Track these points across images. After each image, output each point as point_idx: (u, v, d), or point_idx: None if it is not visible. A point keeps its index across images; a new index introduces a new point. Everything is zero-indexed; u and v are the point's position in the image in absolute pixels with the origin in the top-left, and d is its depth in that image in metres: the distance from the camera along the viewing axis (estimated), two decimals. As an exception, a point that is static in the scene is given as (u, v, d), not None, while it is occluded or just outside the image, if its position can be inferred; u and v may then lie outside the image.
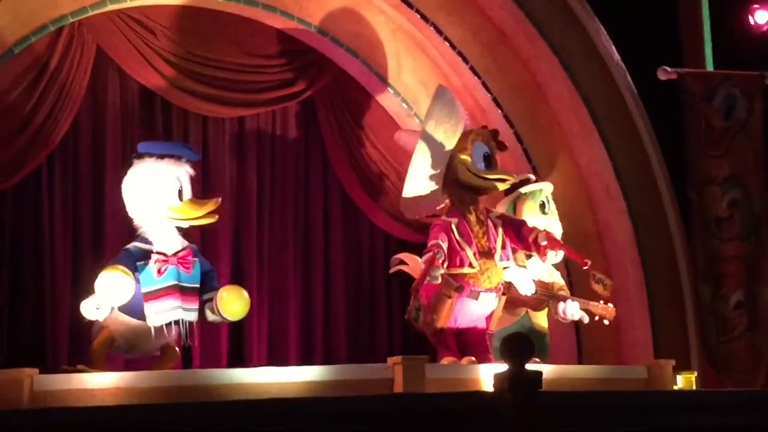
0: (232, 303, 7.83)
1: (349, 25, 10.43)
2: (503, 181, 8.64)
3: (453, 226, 8.37)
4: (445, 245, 8.17)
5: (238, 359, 9.88)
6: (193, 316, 7.89)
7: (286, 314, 10.43)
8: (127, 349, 7.82)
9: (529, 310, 9.12)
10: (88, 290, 7.77)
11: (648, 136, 10.69)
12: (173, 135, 10.06)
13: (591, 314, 9.13)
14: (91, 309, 7.52)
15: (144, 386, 6.75)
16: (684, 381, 9.13)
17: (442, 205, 8.62)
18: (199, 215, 7.99)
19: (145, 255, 7.85)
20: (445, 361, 8.06)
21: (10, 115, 9.08)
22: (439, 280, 8.01)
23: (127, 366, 8.24)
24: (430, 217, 8.74)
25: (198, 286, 7.94)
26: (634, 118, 10.67)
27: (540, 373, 5.94)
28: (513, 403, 5.87)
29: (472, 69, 10.57)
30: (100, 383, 6.76)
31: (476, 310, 8.37)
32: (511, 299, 8.95)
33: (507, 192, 9.40)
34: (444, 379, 7.17)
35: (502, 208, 9.32)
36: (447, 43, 10.43)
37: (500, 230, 8.53)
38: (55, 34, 9.30)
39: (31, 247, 9.35)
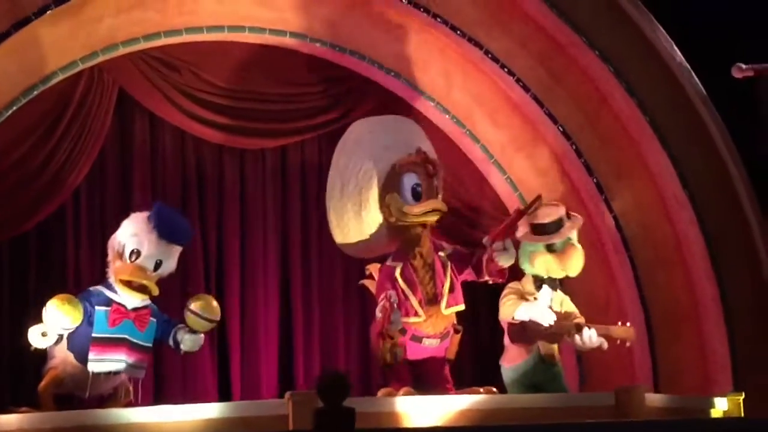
0: (210, 300, 7.99)
1: (390, 46, 10.09)
2: (433, 212, 8.14)
3: (397, 274, 8.01)
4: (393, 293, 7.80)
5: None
6: (138, 373, 7.91)
7: (336, 350, 10.20)
8: (77, 390, 7.87)
9: (540, 345, 8.67)
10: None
11: (722, 140, 9.93)
12: (207, 171, 10.00)
13: (611, 338, 8.59)
14: (37, 336, 7.61)
15: (45, 427, 6.80)
16: (730, 404, 8.43)
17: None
18: (125, 278, 7.96)
19: (107, 302, 7.90)
20: (381, 393, 7.78)
21: (26, 160, 9.14)
22: (400, 326, 7.71)
23: (84, 405, 8.29)
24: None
25: (149, 345, 7.95)
26: (704, 122, 9.98)
27: (353, 411, 5.63)
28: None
29: (518, 81, 10.12)
30: (7, 424, 6.85)
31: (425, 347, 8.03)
32: (527, 335, 8.58)
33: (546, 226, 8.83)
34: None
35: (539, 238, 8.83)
36: (488, 56, 10.05)
37: (449, 272, 8.10)
38: (75, 78, 9.31)
39: (56, 286, 9.40)
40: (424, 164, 8.13)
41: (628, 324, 8.60)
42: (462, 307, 8.12)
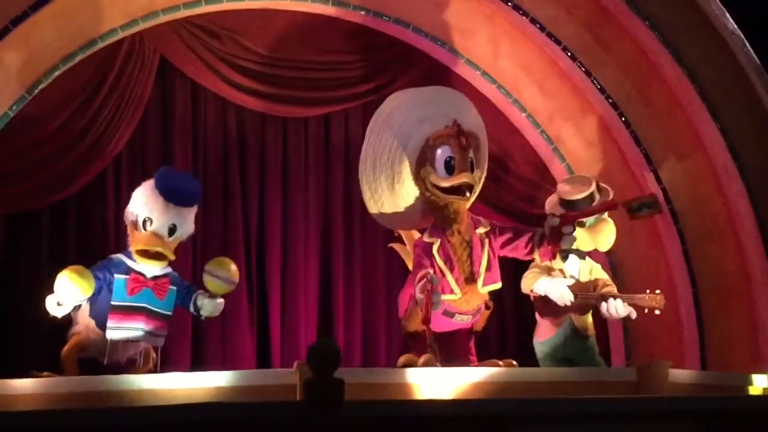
0: (226, 262, 7.93)
1: (435, 14, 9.92)
2: (463, 189, 7.80)
3: (434, 250, 7.79)
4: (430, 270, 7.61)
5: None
6: (157, 342, 7.90)
7: (377, 321, 10.18)
8: (99, 355, 7.91)
9: (573, 318, 8.51)
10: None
11: (777, 112, 9.70)
12: (248, 139, 9.97)
13: (639, 308, 8.38)
14: (53, 305, 7.60)
15: (61, 392, 6.81)
16: (769, 381, 8.19)
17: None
18: (140, 247, 7.92)
19: (126, 270, 7.88)
20: (401, 360, 7.69)
21: (67, 127, 9.20)
22: (440, 307, 7.51)
23: (104, 370, 8.33)
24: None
25: (168, 313, 7.93)
26: (757, 93, 9.66)
27: (341, 382, 5.55)
28: (314, 413, 5.53)
29: (565, 50, 9.92)
30: (23, 389, 6.88)
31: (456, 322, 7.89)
32: (552, 309, 8.45)
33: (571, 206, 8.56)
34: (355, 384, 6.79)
35: (553, 207, 8.65)
36: (535, 24, 9.86)
37: (486, 249, 7.85)
38: (116, 46, 9.32)
39: (97, 251, 9.19)
40: (458, 136, 7.82)
41: (657, 292, 8.31)
42: (499, 285, 7.89)
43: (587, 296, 8.36)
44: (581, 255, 8.55)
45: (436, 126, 7.89)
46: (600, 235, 8.55)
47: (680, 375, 7.60)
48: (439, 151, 7.84)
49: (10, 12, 8.62)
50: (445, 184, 7.80)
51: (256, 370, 7.05)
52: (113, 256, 8.06)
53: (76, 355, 7.74)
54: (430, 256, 7.78)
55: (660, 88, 9.84)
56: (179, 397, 6.67)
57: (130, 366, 7.81)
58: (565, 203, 8.55)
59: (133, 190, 9.41)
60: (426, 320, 7.41)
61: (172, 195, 7.92)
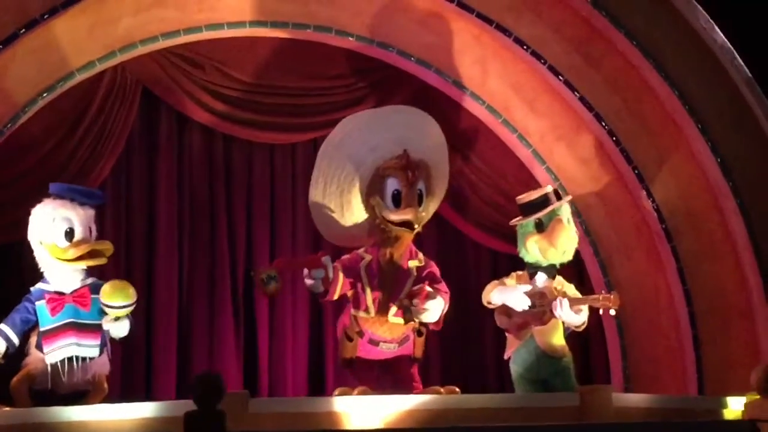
0: (114, 287, 7.85)
1: (420, 36, 9.81)
2: (406, 224, 7.72)
3: (362, 264, 7.76)
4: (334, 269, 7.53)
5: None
6: (90, 352, 7.84)
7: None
8: (52, 387, 7.94)
9: (535, 332, 8.28)
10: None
11: (768, 124, 9.46)
12: (235, 167, 9.98)
13: (593, 308, 8.15)
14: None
15: (-6, 425, 6.89)
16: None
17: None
18: (70, 257, 7.90)
19: (42, 295, 7.91)
20: (337, 392, 7.54)
21: (49, 158, 9.29)
22: (319, 288, 7.42)
23: (59, 402, 8.35)
24: None
25: (99, 322, 7.85)
26: (749, 106, 9.44)
27: (223, 414, 5.51)
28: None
29: (551, 68, 9.76)
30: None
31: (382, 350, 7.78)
32: (514, 323, 8.31)
33: (534, 205, 8.44)
34: (275, 414, 6.74)
35: (525, 220, 8.44)
36: (520, 44, 9.70)
37: (410, 282, 7.75)
38: (97, 78, 9.39)
39: None
40: (405, 170, 7.75)
41: (612, 292, 8.07)
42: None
43: (543, 303, 8.19)
44: (551, 274, 8.37)
45: (386, 154, 7.82)
46: (557, 237, 8.26)
47: (626, 399, 7.39)
48: (387, 182, 7.80)
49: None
50: (393, 217, 7.75)
51: (182, 401, 6.97)
52: (33, 288, 8.05)
53: (26, 386, 7.77)
54: (355, 268, 7.75)
55: (651, 103, 9.67)
56: (109, 429, 6.69)
57: (82, 396, 7.82)
58: (523, 208, 8.42)
59: (118, 219, 9.62)
60: (281, 261, 7.59)
61: (81, 196, 8.01)
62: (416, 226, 7.80)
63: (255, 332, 9.80)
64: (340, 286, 7.61)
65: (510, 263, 9.07)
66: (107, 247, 8.05)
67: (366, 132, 7.92)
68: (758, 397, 7.57)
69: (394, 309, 7.67)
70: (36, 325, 7.92)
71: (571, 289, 8.38)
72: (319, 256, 7.46)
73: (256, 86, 9.92)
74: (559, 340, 8.26)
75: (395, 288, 7.72)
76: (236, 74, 9.88)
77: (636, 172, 9.78)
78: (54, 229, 7.95)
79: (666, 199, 9.75)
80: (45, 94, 9.20)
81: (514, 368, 8.39)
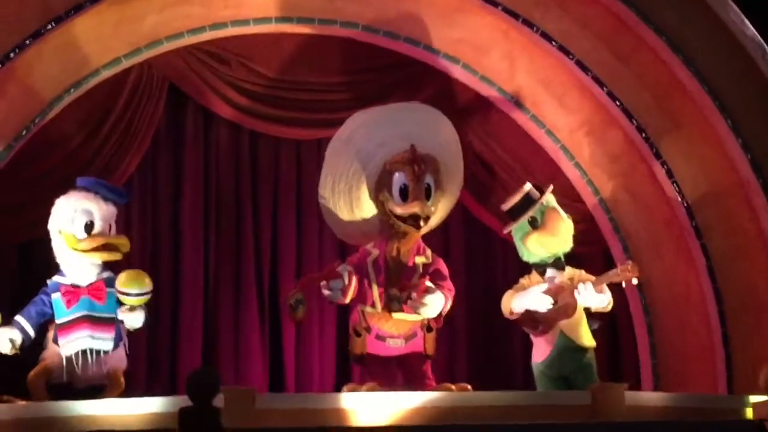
0: (132, 275, 7.93)
1: (447, 31, 9.80)
2: (416, 218, 7.76)
3: (370, 259, 7.78)
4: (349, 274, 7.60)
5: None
6: (104, 345, 7.91)
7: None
8: (69, 380, 7.97)
9: (563, 329, 8.26)
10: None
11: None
12: (261, 163, 9.98)
13: (614, 284, 8.18)
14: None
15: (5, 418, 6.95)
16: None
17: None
18: (85, 248, 7.98)
19: (58, 288, 8.00)
20: (346, 388, 7.54)
21: (76, 154, 9.34)
22: (338, 297, 7.53)
23: (75, 397, 8.40)
24: None
25: (113, 316, 7.93)
26: (781, 102, 9.32)
27: (217, 410, 5.50)
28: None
29: (579, 63, 9.66)
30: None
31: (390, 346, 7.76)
32: (539, 323, 8.25)
33: (522, 206, 8.50)
34: (282, 410, 6.72)
35: (517, 223, 8.47)
36: (548, 38, 9.62)
37: (415, 278, 7.75)
38: (124, 75, 9.45)
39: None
40: (412, 164, 7.77)
41: (629, 263, 8.16)
42: (415, 317, 7.74)
43: (564, 297, 8.13)
44: (559, 266, 8.36)
45: (393, 150, 7.85)
46: (555, 226, 8.37)
47: (639, 397, 7.29)
48: (395, 177, 7.82)
49: (12, 43, 8.73)
50: (400, 211, 7.78)
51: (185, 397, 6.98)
52: (49, 281, 8.15)
53: (43, 379, 7.83)
54: (364, 264, 7.79)
55: (681, 99, 9.52)
56: (116, 424, 6.71)
57: (99, 391, 7.85)
58: (510, 214, 8.47)
59: (144, 214, 9.65)
60: (303, 281, 7.74)
61: (111, 191, 8.13)
62: (423, 220, 7.80)
63: (280, 328, 9.78)
64: (353, 288, 7.63)
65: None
66: (123, 242, 8.12)
67: (373, 128, 7.98)
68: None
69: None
70: (52, 318, 7.99)
71: (584, 274, 8.33)
72: (335, 266, 7.58)
73: (282, 82, 9.92)
74: (586, 331, 8.24)
75: (401, 284, 7.68)
76: (262, 70, 9.87)
77: (665, 167, 9.64)
78: (75, 220, 8.06)
79: (696, 195, 9.60)
80: (72, 91, 9.26)
81: (536, 365, 8.36)
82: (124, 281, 7.87)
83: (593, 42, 9.58)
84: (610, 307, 8.28)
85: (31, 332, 7.99)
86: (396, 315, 7.67)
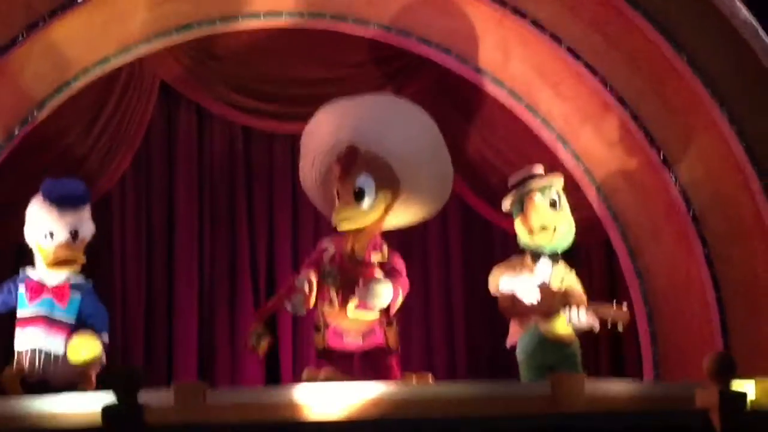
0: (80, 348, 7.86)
1: (439, 21, 9.72)
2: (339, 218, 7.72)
3: (326, 258, 7.72)
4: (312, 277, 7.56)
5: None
6: (56, 348, 7.88)
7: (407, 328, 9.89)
8: (41, 379, 7.90)
9: (540, 321, 8.20)
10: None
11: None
12: (254, 159, 10.04)
13: (603, 320, 7.98)
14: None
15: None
16: (759, 391, 7.66)
17: None
18: (45, 260, 8.06)
19: (25, 280, 8.08)
20: (304, 374, 7.53)
21: (67, 154, 9.45)
22: (302, 311, 7.46)
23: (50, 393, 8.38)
24: None
25: (71, 321, 7.94)
26: (775, 85, 9.15)
27: (141, 407, 5.52)
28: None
29: (570, 50, 9.56)
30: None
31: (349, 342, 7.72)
32: (517, 310, 8.17)
33: (514, 186, 8.47)
34: (234, 405, 6.71)
35: (507, 203, 8.47)
36: (535, 26, 9.53)
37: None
38: (115, 74, 9.52)
39: (103, 274, 9.52)
40: (338, 163, 7.78)
41: (624, 306, 7.93)
42: (372, 314, 7.65)
43: (551, 302, 8.05)
44: (554, 259, 8.25)
45: (334, 150, 7.87)
46: (529, 215, 8.26)
47: (600, 388, 7.17)
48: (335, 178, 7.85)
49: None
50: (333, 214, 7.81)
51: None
52: (23, 269, 8.24)
53: (16, 378, 7.90)
54: (319, 261, 7.74)
55: (674, 84, 9.38)
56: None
57: (73, 388, 7.88)
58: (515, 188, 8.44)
59: (139, 213, 9.73)
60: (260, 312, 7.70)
61: (63, 201, 8.06)
62: (343, 221, 7.72)
63: (276, 323, 9.78)
64: (314, 293, 7.60)
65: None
66: (77, 257, 8.13)
67: (322, 125, 8.05)
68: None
69: (354, 302, 7.55)
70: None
71: (572, 278, 8.26)
72: (291, 281, 7.50)
73: (275, 77, 9.95)
74: (563, 328, 8.10)
75: (356, 282, 7.58)
76: (254, 65, 9.89)
77: (661, 154, 9.50)
78: (38, 229, 8.13)
79: (692, 180, 9.46)
80: (63, 90, 9.34)
81: (519, 354, 8.29)
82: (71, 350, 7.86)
83: (583, 28, 9.48)
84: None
85: None
86: (351, 314, 7.59)
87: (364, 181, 7.74)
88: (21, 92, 9.18)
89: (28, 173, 9.38)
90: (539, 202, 8.28)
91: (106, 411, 5.56)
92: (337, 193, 7.78)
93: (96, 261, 9.54)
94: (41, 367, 7.89)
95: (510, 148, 10.20)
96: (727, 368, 6.70)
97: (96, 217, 9.45)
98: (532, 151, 10.13)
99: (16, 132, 9.25)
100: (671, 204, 9.63)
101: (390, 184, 7.85)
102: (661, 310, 9.85)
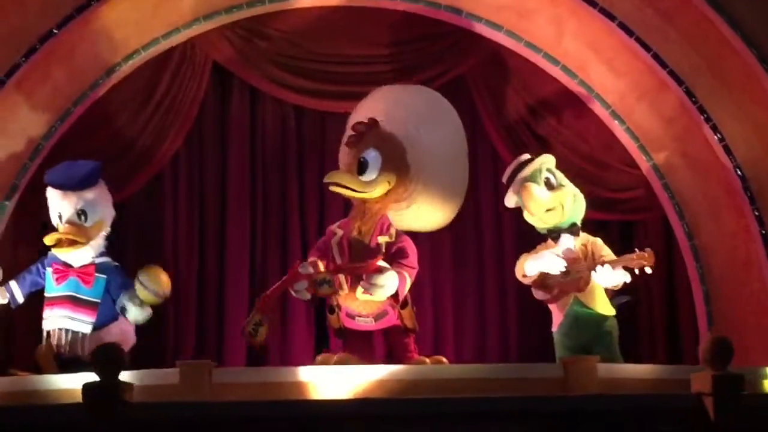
0: (157, 272, 8.05)
1: (492, -2, 9.73)
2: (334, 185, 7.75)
3: (334, 242, 7.73)
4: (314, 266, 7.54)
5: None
6: (83, 328, 8.08)
7: (445, 313, 9.92)
8: (74, 356, 8.05)
9: (578, 296, 8.07)
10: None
11: None
12: (306, 138, 10.02)
13: (630, 269, 7.88)
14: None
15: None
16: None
17: None
18: (48, 243, 8.18)
19: (52, 263, 8.24)
20: (318, 358, 7.55)
21: (119, 135, 9.55)
22: (306, 295, 7.45)
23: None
24: None
25: (97, 300, 8.12)
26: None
27: (120, 385, 5.56)
28: (93, 416, 5.58)
29: (621, 26, 9.35)
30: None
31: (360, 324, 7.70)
32: (552, 294, 8.11)
33: (508, 183, 8.48)
34: (240, 384, 6.73)
35: (508, 201, 8.47)
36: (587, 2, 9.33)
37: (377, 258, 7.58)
38: (167, 54, 9.63)
39: (156, 252, 9.56)
40: (354, 131, 7.99)
41: (646, 249, 7.84)
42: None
43: (579, 269, 7.99)
44: (573, 232, 8.28)
45: None
46: (525, 201, 8.32)
47: (613, 370, 7.03)
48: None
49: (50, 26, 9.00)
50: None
51: (145, 371, 7.02)
52: (49, 252, 8.38)
53: (49, 354, 8.07)
54: (328, 245, 7.76)
55: (731, 59, 9.11)
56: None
57: None
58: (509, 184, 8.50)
59: (191, 192, 9.81)
60: (263, 297, 7.54)
61: (60, 182, 8.24)
62: (337, 186, 7.77)
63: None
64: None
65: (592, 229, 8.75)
66: (84, 238, 8.23)
67: (369, 100, 8.46)
68: None
69: (361, 289, 7.52)
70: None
71: (598, 245, 8.22)
72: (295, 268, 7.51)
73: (325, 55, 9.92)
74: (602, 299, 8.09)
75: (363, 263, 7.56)
76: (305, 44, 9.89)
77: (718, 132, 9.25)
78: (51, 212, 8.40)
79: (748, 157, 9.20)
80: (116, 70, 9.55)
81: (556, 335, 8.30)
82: (147, 274, 8.05)
83: (637, 3, 9.27)
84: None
85: (20, 299, 8.35)
86: (360, 296, 7.54)
87: (372, 154, 7.79)
88: (74, 73, 9.32)
89: (79, 154, 9.48)
90: (534, 189, 8.32)
91: (86, 388, 5.62)
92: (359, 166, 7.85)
93: (149, 239, 9.79)
94: (68, 345, 8.03)
95: (563, 125, 10.00)
96: (723, 353, 6.50)
97: (148, 197, 9.76)
98: (587, 128, 9.99)
99: (70, 113, 9.39)
100: (729, 182, 9.38)
101: (397, 168, 7.86)
102: (719, 290, 9.60)
